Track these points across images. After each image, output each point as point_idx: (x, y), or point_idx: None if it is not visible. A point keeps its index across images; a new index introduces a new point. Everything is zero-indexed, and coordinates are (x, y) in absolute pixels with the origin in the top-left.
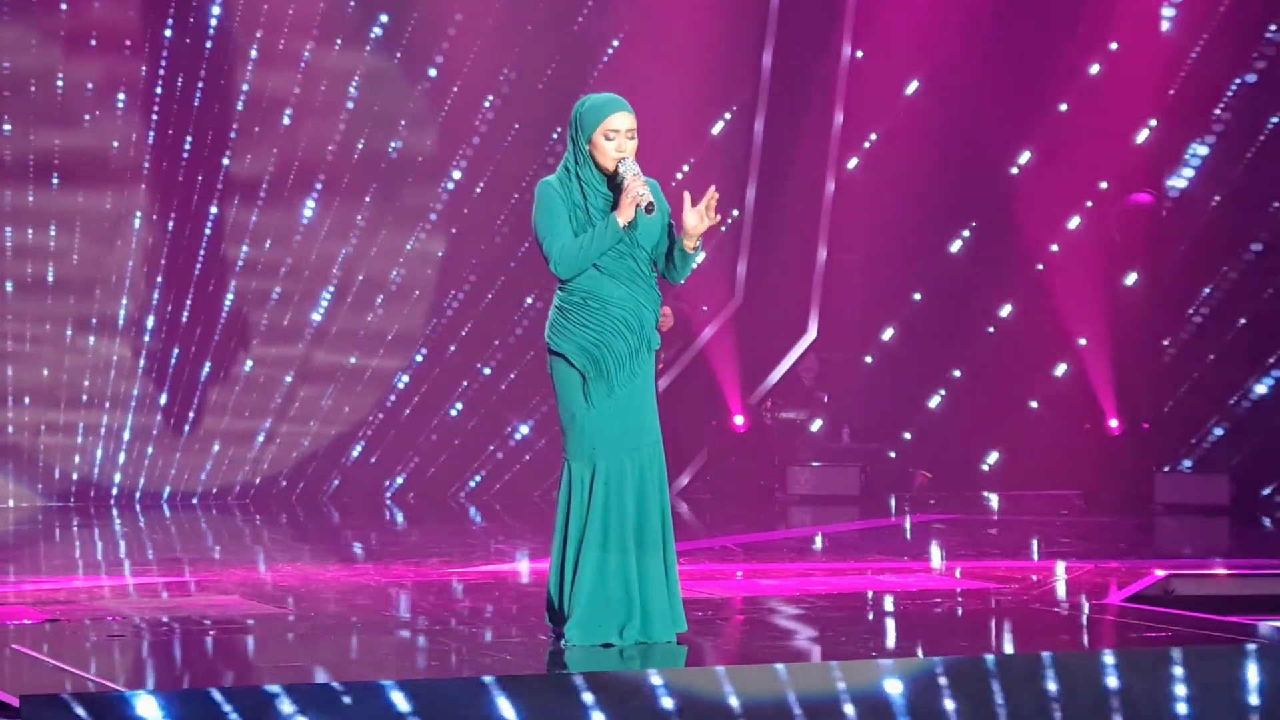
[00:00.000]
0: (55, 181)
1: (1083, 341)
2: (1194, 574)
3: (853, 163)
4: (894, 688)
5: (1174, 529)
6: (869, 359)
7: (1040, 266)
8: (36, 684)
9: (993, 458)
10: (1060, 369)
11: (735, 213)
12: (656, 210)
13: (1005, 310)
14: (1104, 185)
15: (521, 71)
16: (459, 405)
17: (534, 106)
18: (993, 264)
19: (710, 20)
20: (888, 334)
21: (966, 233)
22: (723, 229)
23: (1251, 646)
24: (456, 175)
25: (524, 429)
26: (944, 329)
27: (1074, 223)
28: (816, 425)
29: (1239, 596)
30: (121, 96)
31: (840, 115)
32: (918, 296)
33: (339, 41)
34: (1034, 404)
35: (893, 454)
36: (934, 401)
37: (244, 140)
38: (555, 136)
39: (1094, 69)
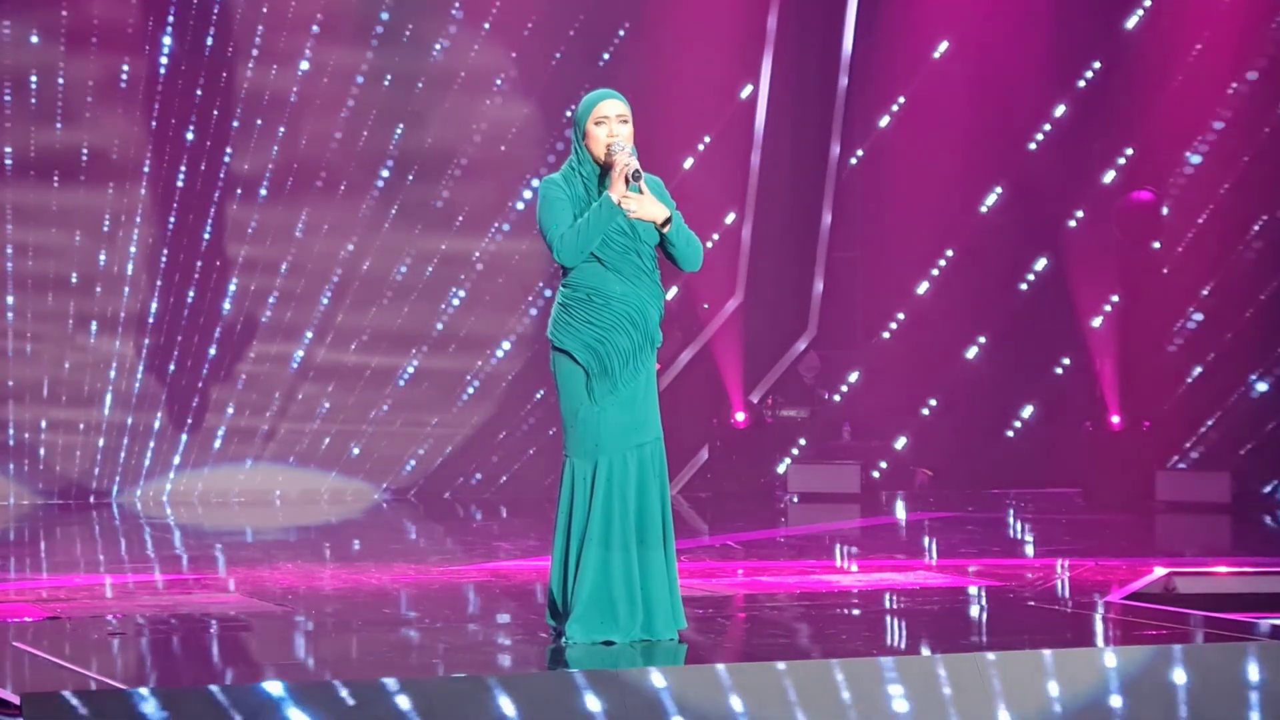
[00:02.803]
0: (56, 179)
1: (1099, 319)
2: (1195, 572)
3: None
4: (894, 685)
5: (1175, 526)
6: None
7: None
8: (37, 682)
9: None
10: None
11: (732, 215)
12: (661, 204)
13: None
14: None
15: (524, 65)
16: (460, 401)
17: (537, 99)
18: (996, 261)
19: (713, 12)
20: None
21: (984, 206)
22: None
23: (1252, 645)
24: (456, 172)
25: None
26: (946, 323)
27: (1080, 215)
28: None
29: (1240, 594)
30: (122, 94)
31: (843, 106)
32: (924, 287)
33: (340, 38)
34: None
35: (895, 451)
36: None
37: (245, 137)
38: (561, 126)
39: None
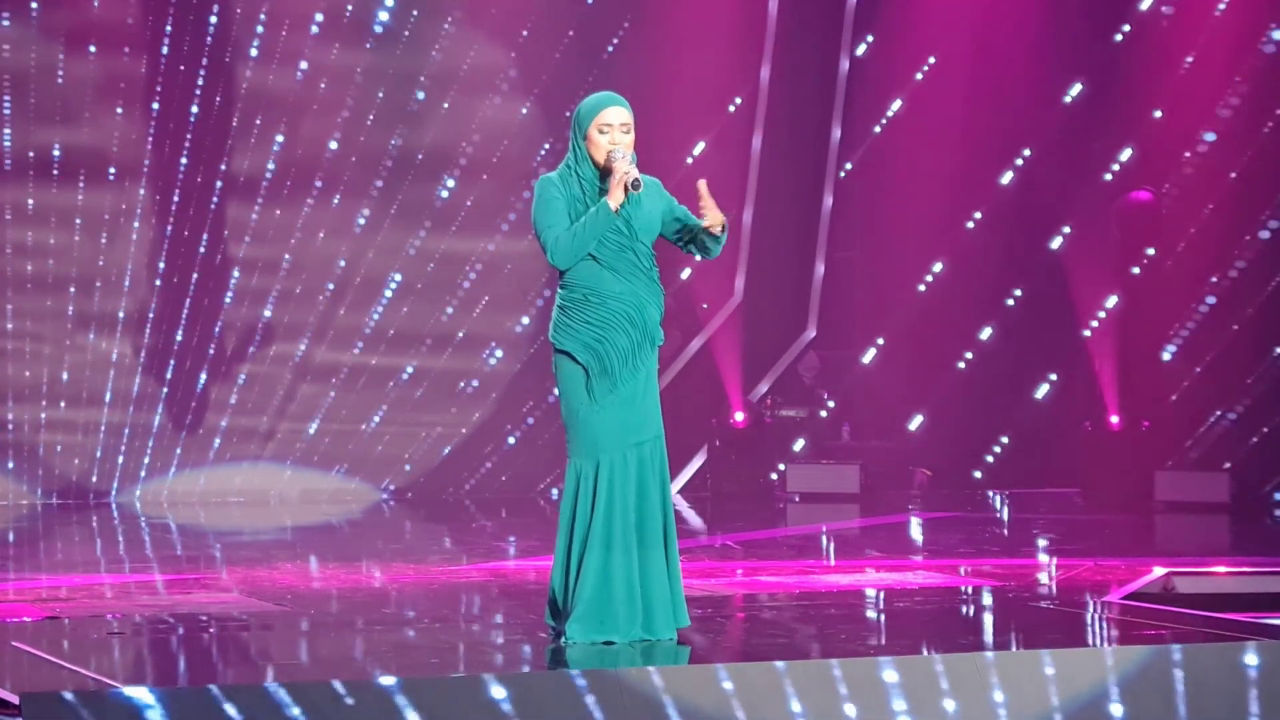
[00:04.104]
0: (56, 179)
1: (1094, 326)
2: (1194, 572)
3: (856, 156)
4: (894, 685)
5: (1174, 526)
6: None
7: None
8: (37, 681)
9: (996, 449)
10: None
11: (731, 213)
12: (657, 200)
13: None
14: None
15: (524, 64)
16: (460, 401)
17: (537, 99)
18: (996, 261)
19: (712, 13)
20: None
21: (972, 222)
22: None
23: (1251, 644)
24: (456, 172)
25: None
26: (946, 323)
27: (1080, 216)
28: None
29: (1239, 594)
30: (122, 94)
31: (841, 107)
32: (922, 287)
33: (340, 37)
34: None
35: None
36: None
37: (244, 137)
38: (552, 141)
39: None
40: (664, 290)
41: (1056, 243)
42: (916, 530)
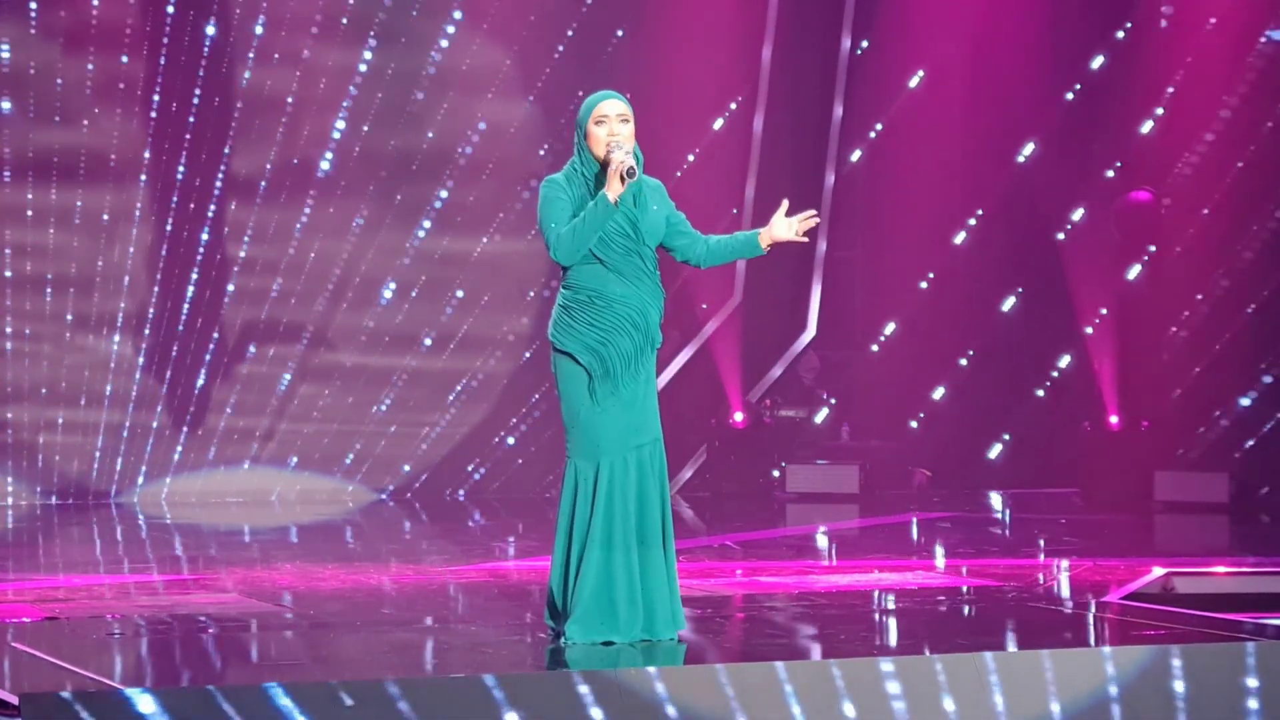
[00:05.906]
0: (54, 179)
1: (1089, 330)
2: (1193, 572)
3: (855, 155)
4: (893, 686)
5: (1173, 526)
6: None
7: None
8: (36, 682)
9: (995, 450)
10: (1063, 361)
11: (735, 211)
12: (661, 204)
13: (1009, 304)
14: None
15: (522, 66)
16: (459, 401)
17: (536, 99)
18: (996, 261)
19: (711, 14)
20: (889, 329)
21: (972, 221)
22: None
23: (1251, 645)
24: (456, 172)
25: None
26: (946, 324)
27: (1079, 214)
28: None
29: (1239, 594)
30: (121, 94)
31: (840, 109)
32: (924, 285)
33: (339, 37)
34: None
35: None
36: (937, 394)
37: (244, 137)
38: (560, 126)
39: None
40: (665, 293)
41: (1074, 218)
42: (915, 531)
